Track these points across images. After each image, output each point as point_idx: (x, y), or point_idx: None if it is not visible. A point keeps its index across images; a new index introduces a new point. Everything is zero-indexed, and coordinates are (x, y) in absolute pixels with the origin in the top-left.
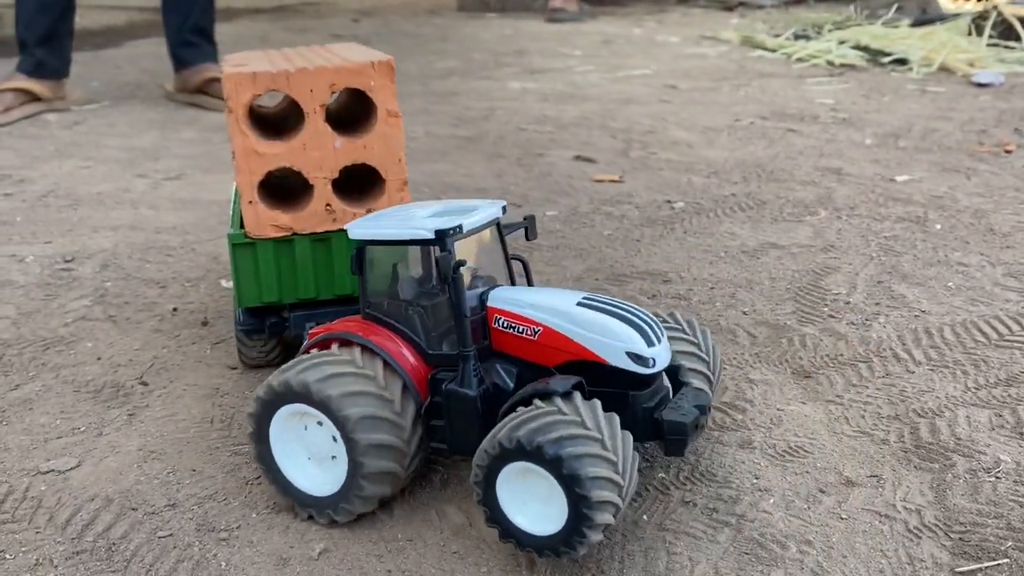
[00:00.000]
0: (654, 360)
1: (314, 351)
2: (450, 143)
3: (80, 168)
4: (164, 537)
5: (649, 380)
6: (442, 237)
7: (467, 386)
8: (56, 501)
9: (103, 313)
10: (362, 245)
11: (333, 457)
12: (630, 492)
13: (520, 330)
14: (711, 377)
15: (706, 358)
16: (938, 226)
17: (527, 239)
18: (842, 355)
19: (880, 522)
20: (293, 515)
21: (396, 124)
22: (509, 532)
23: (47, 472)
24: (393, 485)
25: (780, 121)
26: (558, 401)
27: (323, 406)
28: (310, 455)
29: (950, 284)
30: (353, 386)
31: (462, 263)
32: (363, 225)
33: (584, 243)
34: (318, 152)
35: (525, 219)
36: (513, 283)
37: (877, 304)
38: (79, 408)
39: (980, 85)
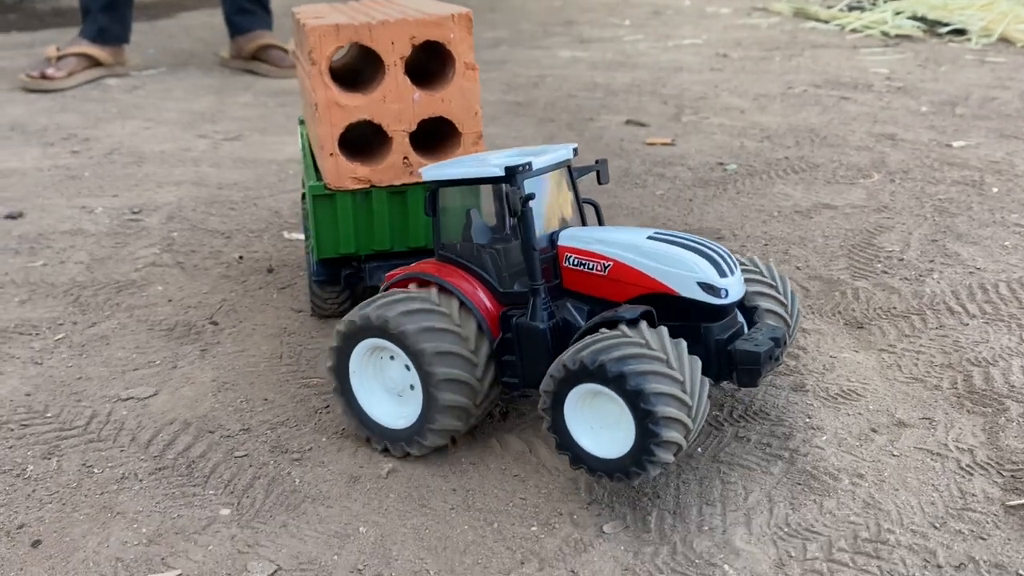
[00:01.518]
0: (726, 291)
1: (392, 290)
2: (500, 108)
3: (142, 129)
4: (240, 457)
5: (721, 312)
6: (512, 174)
7: (537, 320)
8: (137, 424)
9: (172, 260)
10: (435, 187)
11: (411, 387)
12: (700, 416)
13: (590, 266)
14: (788, 320)
15: (784, 300)
16: (995, 189)
17: (599, 183)
18: (895, 308)
19: (932, 459)
20: (367, 444)
21: (473, 77)
22: (578, 457)
23: (127, 399)
24: (465, 420)
25: (833, 89)
26: (623, 327)
27: (399, 340)
28: (387, 389)
29: (1006, 244)
30: (429, 322)
31: (531, 197)
32: (437, 168)
33: (636, 202)
34: (397, 105)
35: (597, 162)
36: (585, 224)
37: (931, 261)
38: (153, 344)
39: None
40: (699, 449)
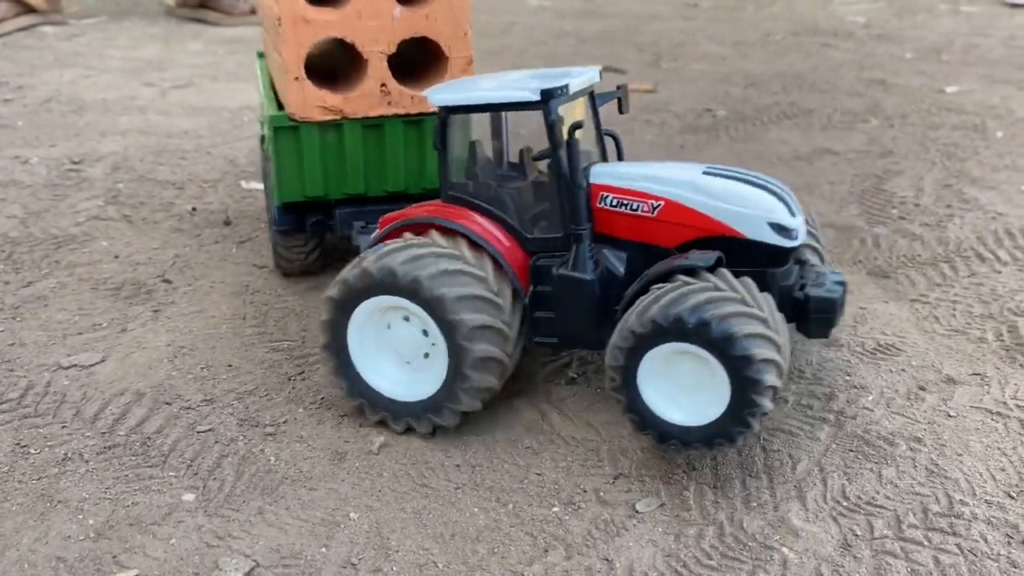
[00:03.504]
0: (797, 232)
1: (387, 240)
2: None
3: (82, 77)
4: (204, 432)
5: (788, 255)
6: (548, 98)
7: (582, 269)
8: (81, 395)
9: (117, 213)
10: (447, 115)
11: (426, 355)
12: (788, 358)
13: (635, 207)
14: (823, 254)
15: (819, 241)
16: (999, 134)
17: (620, 112)
18: (920, 255)
19: (992, 420)
20: (358, 415)
21: None
22: (667, 432)
23: (69, 367)
24: (499, 375)
25: (813, 36)
26: (711, 277)
27: (413, 290)
28: (396, 354)
29: (1023, 188)
30: (445, 265)
31: (579, 125)
32: (449, 90)
33: (626, 150)
34: (374, 21)
35: (619, 88)
36: (606, 159)
37: (949, 206)
38: (98, 305)
39: (1015, 6)
40: None
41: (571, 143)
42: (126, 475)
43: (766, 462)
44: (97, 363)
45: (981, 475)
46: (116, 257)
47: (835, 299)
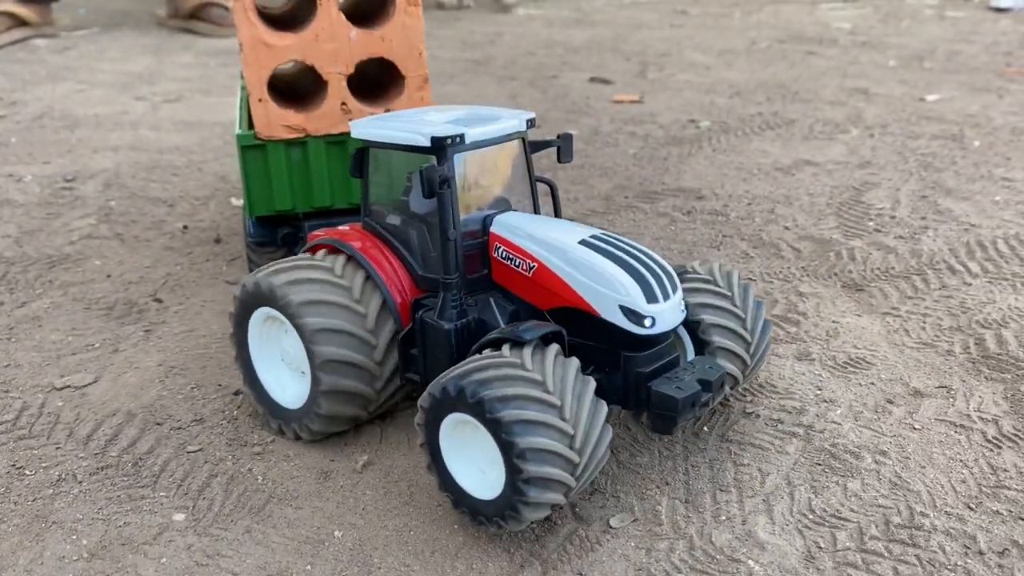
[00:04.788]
0: (653, 320)
1: (294, 257)
2: (458, 66)
3: (75, 91)
4: (194, 452)
5: (647, 342)
6: (440, 146)
7: (444, 318)
8: (75, 416)
9: (110, 231)
10: (364, 146)
11: (303, 372)
12: (590, 471)
13: (517, 263)
14: (747, 359)
15: (745, 335)
16: (976, 143)
17: (559, 160)
18: (893, 268)
19: (956, 432)
20: (267, 428)
21: (416, 14)
22: (460, 499)
23: (62, 388)
24: (360, 406)
25: (798, 44)
26: (525, 353)
27: (285, 311)
28: (286, 364)
29: (997, 199)
30: (319, 294)
31: (446, 180)
32: (367, 124)
33: (609, 162)
34: (332, 44)
35: (560, 137)
36: (536, 209)
37: (923, 218)
38: (91, 325)
39: (999, 10)
40: (705, 428)
41: (441, 195)
42: (118, 495)
43: (736, 476)
44: (90, 384)
45: (942, 487)
46: (109, 276)
47: (676, 399)
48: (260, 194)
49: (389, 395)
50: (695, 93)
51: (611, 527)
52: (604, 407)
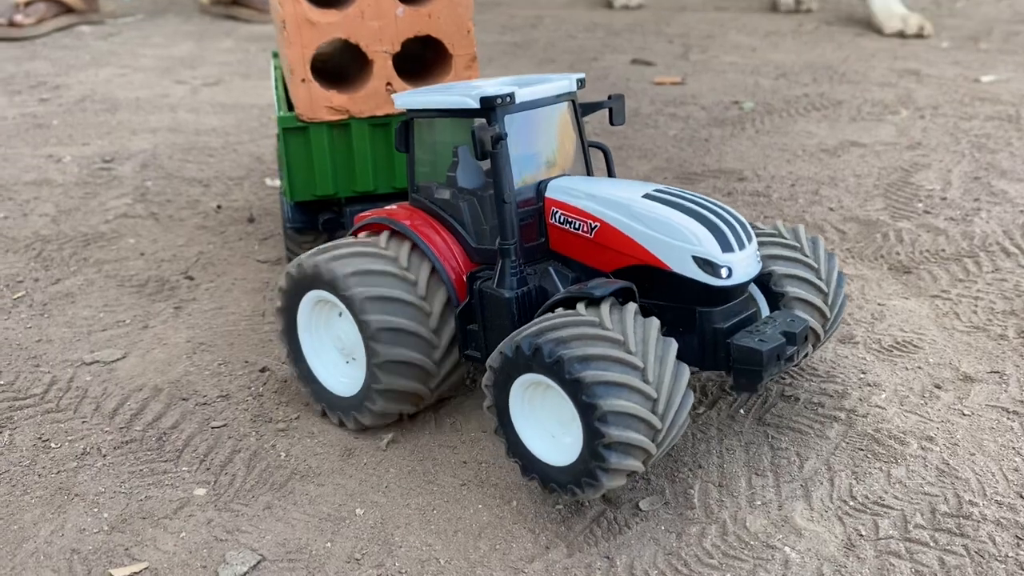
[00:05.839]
0: (729, 270)
1: (344, 238)
2: (497, 49)
3: (117, 76)
4: (218, 427)
5: (723, 295)
6: (489, 107)
7: (504, 286)
8: (102, 391)
9: (145, 211)
10: (409, 117)
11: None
12: (671, 438)
13: (576, 226)
14: (826, 311)
15: (823, 287)
16: None
17: (611, 123)
18: (943, 250)
19: (1008, 419)
20: (323, 418)
21: None
22: (530, 465)
23: (92, 363)
24: (419, 379)
25: (847, 26)
26: (603, 311)
27: (335, 288)
28: (338, 350)
29: None
30: (368, 264)
31: (502, 136)
32: (411, 94)
33: (649, 143)
34: (378, 21)
35: (611, 98)
36: (590, 174)
37: (976, 200)
38: (123, 302)
39: None
40: (741, 411)
41: (496, 155)
42: (141, 469)
43: (773, 460)
44: (119, 359)
45: (993, 475)
46: (142, 254)
47: (760, 352)
48: (301, 178)
49: (448, 372)
50: (739, 75)
51: (640, 510)
52: (686, 370)
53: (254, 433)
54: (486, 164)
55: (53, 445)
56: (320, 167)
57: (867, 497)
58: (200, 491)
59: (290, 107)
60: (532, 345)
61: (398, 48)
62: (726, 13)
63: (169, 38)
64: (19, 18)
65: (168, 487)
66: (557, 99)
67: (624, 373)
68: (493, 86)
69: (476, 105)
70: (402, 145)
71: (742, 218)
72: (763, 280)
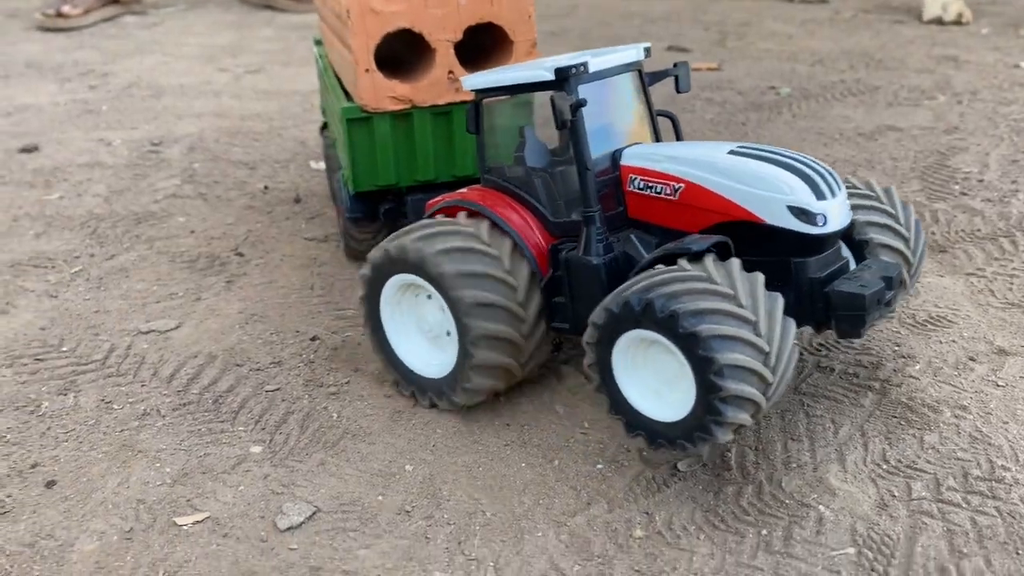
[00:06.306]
0: (824, 217)
1: (427, 220)
2: None
3: (161, 63)
4: (272, 391)
5: (819, 244)
6: (564, 77)
7: (591, 253)
8: (159, 358)
9: (193, 191)
10: (479, 99)
11: (448, 333)
12: (783, 365)
13: (658, 190)
14: (909, 257)
15: (905, 233)
16: None
17: (677, 90)
18: (979, 230)
19: None
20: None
21: None
22: (635, 422)
23: (148, 332)
24: (510, 354)
25: (885, 13)
26: (709, 265)
27: (420, 269)
28: (422, 331)
29: None
30: (452, 242)
31: (582, 103)
32: (480, 75)
33: (686, 127)
34: (441, 9)
35: (676, 65)
36: (658, 141)
37: (1014, 182)
38: (175, 276)
39: None
40: None
41: (575, 123)
42: (199, 429)
43: (808, 426)
44: (173, 329)
45: None
46: (192, 232)
47: (863, 296)
48: (364, 168)
49: (535, 346)
50: (775, 61)
51: (679, 470)
52: (792, 324)
53: (307, 396)
54: (552, 141)
55: (115, 406)
56: (383, 157)
57: (900, 461)
58: (256, 449)
59: (346, 96)
60: (643, 300)
61: (460, 36)
62: (762, 2)
63: (210, 27)
64: (67, 9)
65: (225, 445)
66: (627, 68)
67: (738, 327)
68: (562, 59)
69: (551, 77)
70: (473, 127)
71: (830, 168)
72: (846, 231)
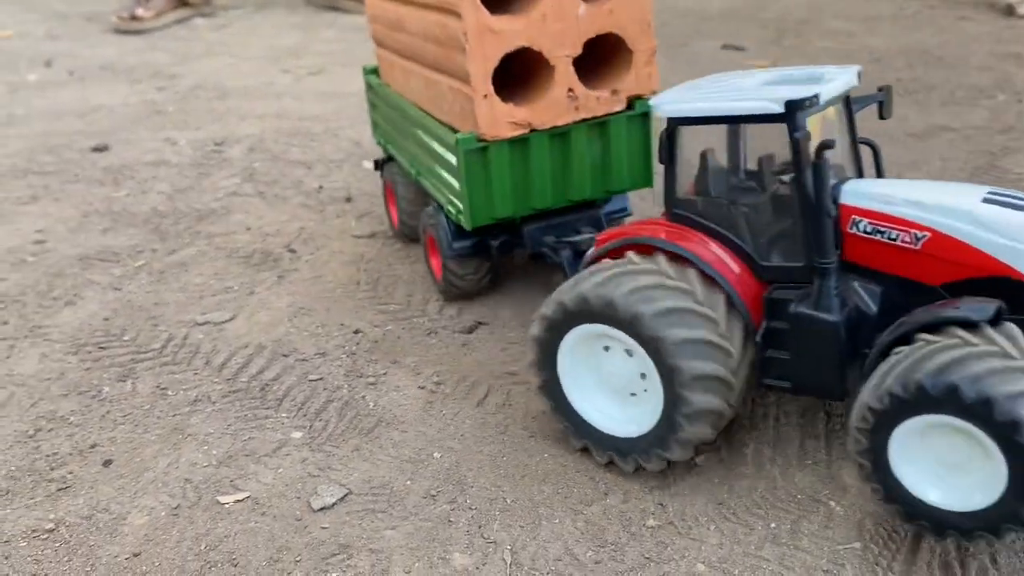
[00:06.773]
0: None
1: (606, 261)
2: None
3: (227, 65)
4: (314, 380)
5: None
6: (794, 110)
7: (826, 309)
8: (212, 348)
9: (252, 189)
10: (674, 126)
11: (641, 386)
12: None
13: (893, 236)
14: None
15: None
16: None
17: (881, 116)
18: None
19: None
20: (586, 455)
21: None
22: (917, 512)
23: (203, 323)
24: (716, 427)
25: (951, 9)
26: (993, 334)
27: (630, 327)
28: (608, 387)
29: None
30: (668, 302)
31: (829, 145)
32: (677, 100)
33: None
34: (560, 24)
35: (880, 90)
36: (861, 174)
37: None
38: (231, 271)
39: None
40: None
41: (818, 166)
42: (245, 415)
43: (827, 425)
44: (227, 320)
45: None
46: (249, 229)
47: None
48: (480, 201)
49: (736, 410)
50: (832, 59)
51: (695, 464)
52: None
53: (346, 385)
54: (738, 167)
55: (169, 393)
56: (499, 187)
57: None
58: (297, 434)
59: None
60: (941, 384)
61: (579, 51)
62: None
63: (276, 29)
64: (140, 12)
65: (269, 430)
66: (845, 95)
67: None
68: (763, 84)
69: (779, 109)
70: (666, 156)
71: None
72: None
